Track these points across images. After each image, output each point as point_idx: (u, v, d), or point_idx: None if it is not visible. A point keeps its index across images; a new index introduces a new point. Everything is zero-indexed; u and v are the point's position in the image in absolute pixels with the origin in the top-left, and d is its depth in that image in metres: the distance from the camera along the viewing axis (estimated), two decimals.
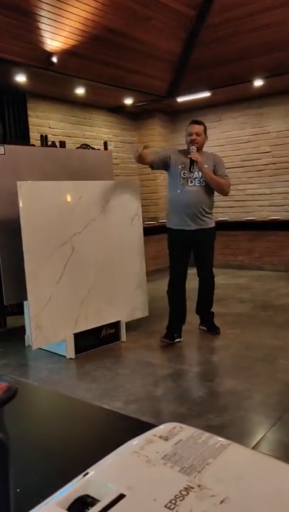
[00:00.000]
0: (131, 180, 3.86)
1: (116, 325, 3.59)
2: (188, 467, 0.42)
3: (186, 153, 3.46)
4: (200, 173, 3.42)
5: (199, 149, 3.46)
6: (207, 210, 3.51)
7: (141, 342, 3.63)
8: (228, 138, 7.06)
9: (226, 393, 2.58)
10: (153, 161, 3.45)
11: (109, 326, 3.53)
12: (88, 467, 0.43)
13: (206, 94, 6.19)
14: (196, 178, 3.45)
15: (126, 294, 3.71)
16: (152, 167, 3.51)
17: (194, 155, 3.37)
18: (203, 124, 3.54)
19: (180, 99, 6.40)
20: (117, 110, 7.06)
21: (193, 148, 3.41)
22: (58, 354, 3.35)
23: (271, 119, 6.64)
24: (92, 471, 0.40)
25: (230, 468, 0.42)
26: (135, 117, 7.47)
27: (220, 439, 0.46)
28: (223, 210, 7.28)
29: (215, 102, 6.84)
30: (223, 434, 2.15)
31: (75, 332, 3.30)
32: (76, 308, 3.34)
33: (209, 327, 3.80)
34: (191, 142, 3.42)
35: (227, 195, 3.67)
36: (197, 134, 3.44)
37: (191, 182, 3.45)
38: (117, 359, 3.28)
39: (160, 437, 0.46)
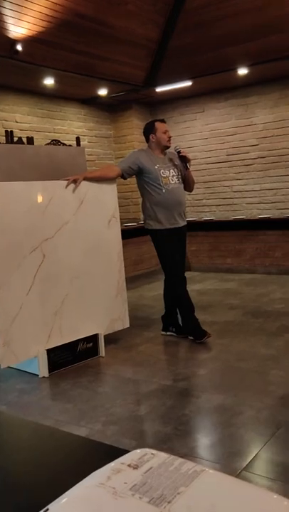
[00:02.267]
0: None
1: (94, 338, 3.58)
2: (157, 497, 0.42)
3: (154, 152, 3.78)
4: (175, 170, 3.77)
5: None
6: (184, 206, 3.91)
7: (122, 356, 3.63)
8: (212, 130, 7.15)
9: (215, 410, 2.60)
10: (123, 170, 3.69)
11: (86, 339, 3.52)
12: (50, 502, 0.43)
13: (187, 83, 6.25)
14: (174, 175, 3.78)
15: (104, 304, 3.70)
16: (124, 177, 3.75)
17: (185, 152, 3.79)
18: None
19: (159, 89, 6.46)
20: (91, 102, 7.07)
21: (178, 147, 3.82)
22: (29, 373, 3.32)
23: (258, 109, 6.75)
24: (52, 507, 0.40)
25: (202, 496, 0.43)
26: (110, 109, 7.50)
27: (193, 464, 0.47)
28: (210, 208, 7.36)
29: (197, 92, 6.91)
30: (212, 454, 2.17)
31: (48, 348, 3.28)
32: (49, 321, 3.32)
33: (178, 330, 3.97)
34: (169, 140, 3.78)
35: (192, 191, 4.13)
36: (168, 132, 3.80)
37: (172, 180, 3.75)
38: (95, 376, 3.27)
39: (129, 466, 0.47)
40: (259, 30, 5.27)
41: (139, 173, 3.74)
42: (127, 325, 3.89)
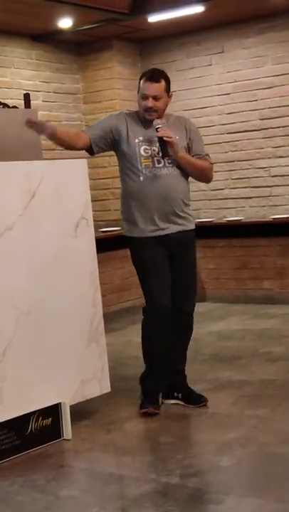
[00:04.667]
0: (73, 160, 3.89)
1: (53, 411, 3.57)
2: None
3: (141, 119, 3.85)
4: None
5: (161, 116, 3.81)
6: (186, 202, 3.95)
7: (99, 439, 3.61)
8: (237, 81, 7.23)
9: None
10: (93, 139, 3.74)
11: (41, 413, 3.51)
12: None
13: (198, 8, 6.34)
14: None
15: (70, 357, 3.70)
16: (92, 151, 3.81)
17: (165, 132, 3.71)
18: (163, 77, 3.86)
19: (153, 19, 6.54)
20: (47, 38, 7.14)
21: (159, 121, 3.75)
22: None
23: None
24: None
25: None
26: (79, 50, 7.58)
27: None
28: (236, 203, 7.40)
29: (213, 22, 7.01)
30: None
31: None
32: None
33: (190, 396, 3.97)
34: (147, 111, 3.76)
35: (210, 182, 4.27)
36: (155, 99, 3.75)
37: (159, 162, 3.77)
38: (57, 471, 3.25)
39: None
40: None
41: (116, 148, 3.81)
42: (108, 389, 3.89)
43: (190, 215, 3.98)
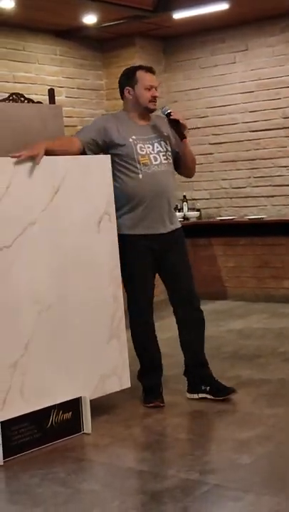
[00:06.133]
0: (97, 156, 3.91)
1: (74, 406, 3.58)
2: None
3: (130, 116, 3.98)
4: (162, 143, 3.96)
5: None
6: (174, 200, 4.17)
7: (118, 434, 3.62)
8: (261, 79, 7.22)
9: None
10: (84, 143, 3.81)
11: (61, 407, 3.52)
12: None
13: (223, 6, 6.33)
14: (160, 151, 3.94)
15: (91, 352, 3.71)
16: (85, 154, 3.84)
17: (179, 115, 3.95)
18: None
19: (177, 16, 6.54)
20: (71, 35, 7.16)
21: (167, 107, 4.00)
22: None
23: None
24: None
25: None
26: (102, 47, 7.60)
27: None
28: (257, 201, 7.39)
29: (237, 20, 7.01)
30: None
31: (2, 419, 3.29)
32: (4, 377, 3.33)
33: (216, 389, 3.96)
34: (153, 101, 3.91)
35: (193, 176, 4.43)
36: (156, 89, 3.95)
37: (156, 159, 3.89)
38: (77, 465, 3.26)
39: None
40: None
41: (106, 150, 3.87)
42: (128, 384, 3.89)
43: (176, 213, 4.20)
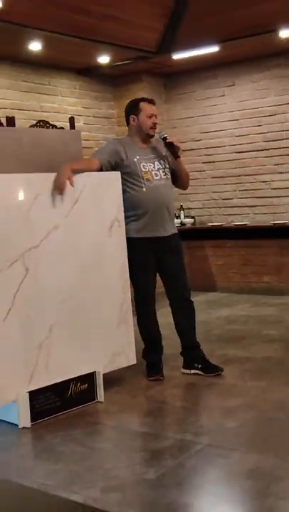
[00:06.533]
0: (109, 173, 3.90)
1: (89, 379, 3.58)
2: None
3: (134, 140, 3.97)
4: (161, 162, 3.96)
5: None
6: (172, 209, 4.11)
7: (126, 402, 3.62)
8: (246, 109, 7.20)
9: (249, 474, 2.59)
10: (102, 163, 3.80)
11: (79, 380, 3.53)
12: None
13: (214, 48, 6.31)
14: (160, 169, 3.96)
15: (104, 334, 3.71)
16: (102, 171, 3.84)
17: (174, 138, 3.98)
18: None
19: (177, 57, 6.53)
20: (88, 72, 7.16)
21: (163, 133, 4.03)
22: (6, 422, 3.33)
23: None
24: None
25: None
26: (114, 82, 7.58)
27: None
28: (242, 210, 7.38)
29: (226, 60, 6.98)
30: None
31: (30, 390, 3.29)
32: (32, 355, 3.33)
33: (206, 367, 3.97)
34: (153, 127, 3.93)
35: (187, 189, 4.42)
36: (156, 117, 3.96)
37: (156, 175, 3.92)
38: (91, 428, 3.27)
39: None
40: None
41: (117, 168, 3.87)
42: (134, 361, 3.89)
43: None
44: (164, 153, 3.99)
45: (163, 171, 3.96)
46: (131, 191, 3.87)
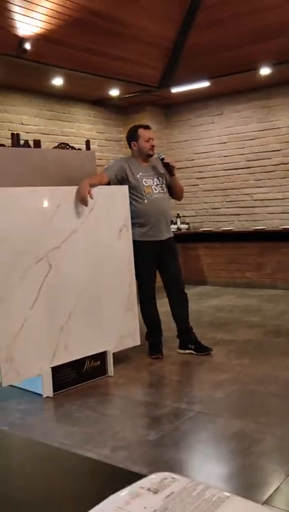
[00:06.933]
0: (118, 186, 3.90)
1: (101, 356, 3.58)
2: None
3: (136, 160, 3.93)
4: (159, 178, 3.94)
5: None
6: (170, 217, 4.10)
7: (131, 376, 3.62)
8: (232, 134, 7.18)
9: (233, 436, 2.58)
10: (110, 178, 3.81)
11: (93, 357, 3.53)
12: None
13: (205, 84, 6.30)
14: (158, 184, 3.94)
15: (114, 320, 3.71)
16: (111, 185, 3.85)
17: (170, 159, 3.98)
18: None
19: (174, 90, 6.51)
20: (101, 103, 7.15)
21: (161, 154, 4.01)
22: (32, 392, 3.33)
23: (281, 112, 6.77)
24: None
25: None
26: (122, 111, 7.57)
27: (217, 490, 0.47)
28: (228, 218, 7.36)
29: (215, 93, 6.96)
30: (229, 486, 2.15)
31: (52, 365, 3.29)
32: (54, 337, 3.33)
33: (198, 348, 3.96)
34: (152, 149, 3.90)
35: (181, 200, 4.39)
36: (153, 140, 3.94)
37: (156, 189, 3.91)
38: (103, 397, 3.27)
39: (149, 490, 0.47)
40: (283, 28, 5.31)
41: (123, 182, 3.86)
42: (138, 342, 3.89)
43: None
44: (161, 171, 3.96)
45: (161, 186, 3.93)
46: (135, 203, 3.85)
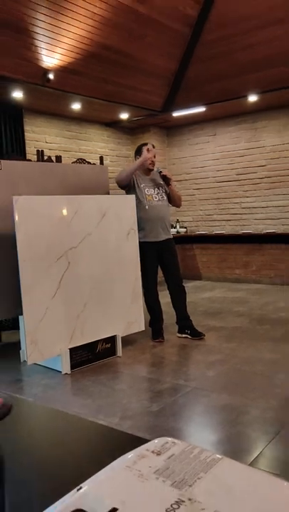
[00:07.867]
0: (126, 195, 3.90)
1: (112, 340, 3.58)
2: (179, 481, 0.43)
3: (141, 173, 3.95)
4: (159, 188, 3.95)
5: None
6: (170, 222, 4.07)
7: (137, 357, 3.62)
8: (223, 152, 7.16)
9: (223, 409, 2.58)
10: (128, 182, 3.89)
11: (105, 340, 3.53)
12: (82, 482, 0.44)
13: (201, 109, 6.29)
14: (158, 193, 3.96)
15: (122, 308, 3.71)
16: (124, 185, 3.92)
17: (168, 172, 4.07)
18: None
19: (175, 114, 6.50)
20: (113, 125, 7.15)
21: (160, 168, 4.06)
22: (53, 369, 3.34)
23: (266, 133, 6.75)
24: (85, 486, 0.41)
25: (220, 482, 0.43)
26: (131, 132, 7.57)
27: (211, 453, 0.47)
28: (220, 223, 7.35)
29: (210, 117, 6.94)
30: (219, 450, 2.14)
31: (70, 347, 3.29)
32: (72, 322, 3.33)
33: (194, 333, 3.96)
34: (152, 164, 3.94)
35: (180, 207, 4.40)
36: (154, 157, 3.98)
37: (156, 198, 3.94)
38: (113, 374, 3.27)
39: (152, 452, 0.47)
40: (269, 61, 5.29)
41: (130, 187, 3.90)
42: (143, 328, 3.89)
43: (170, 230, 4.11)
44: (161, 182, 3.98)
45: (160, 195, 3.94)
46: (139, 209, 3.85)
